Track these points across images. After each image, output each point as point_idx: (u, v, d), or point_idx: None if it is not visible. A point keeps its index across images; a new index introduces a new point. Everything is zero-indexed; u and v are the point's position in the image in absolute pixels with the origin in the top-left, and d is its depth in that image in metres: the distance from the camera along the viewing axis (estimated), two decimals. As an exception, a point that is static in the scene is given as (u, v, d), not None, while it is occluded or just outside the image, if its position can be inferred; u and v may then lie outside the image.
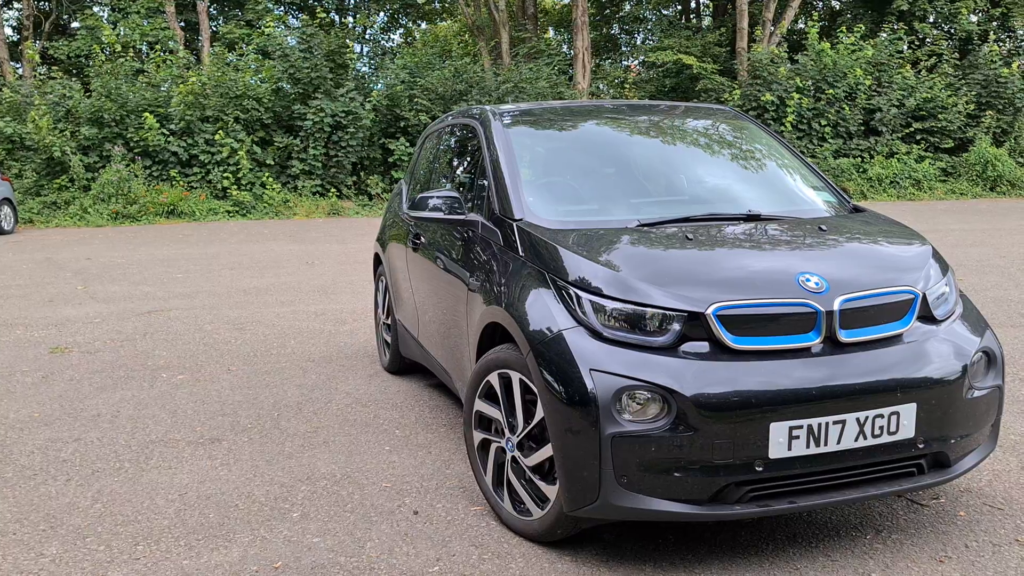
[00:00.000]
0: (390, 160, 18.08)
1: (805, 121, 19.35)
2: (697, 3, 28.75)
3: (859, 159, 19.32)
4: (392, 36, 31.07)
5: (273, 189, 16.98)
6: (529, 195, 3.28)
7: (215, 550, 2.84)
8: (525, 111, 4.00)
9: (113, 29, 20.99)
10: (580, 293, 2.67)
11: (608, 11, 28.69)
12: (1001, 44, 22.82)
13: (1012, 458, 3.48)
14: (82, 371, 5.22)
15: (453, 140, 4.42)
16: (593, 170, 3.65)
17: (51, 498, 3.29)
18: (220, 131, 16.96)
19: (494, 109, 3.92)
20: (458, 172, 4.23)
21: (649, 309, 2.57)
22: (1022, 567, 2.63)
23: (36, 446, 3.88)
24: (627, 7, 29.07)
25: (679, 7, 28.46)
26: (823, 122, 19.26)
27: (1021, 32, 23.87)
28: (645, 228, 3.02)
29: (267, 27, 18.95)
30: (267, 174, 17.14)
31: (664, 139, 3.92)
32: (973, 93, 19.96)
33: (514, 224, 3.14)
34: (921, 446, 2.61)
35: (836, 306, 2.59)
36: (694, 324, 2.54)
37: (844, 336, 2.59)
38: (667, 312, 2.56)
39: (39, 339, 6.17)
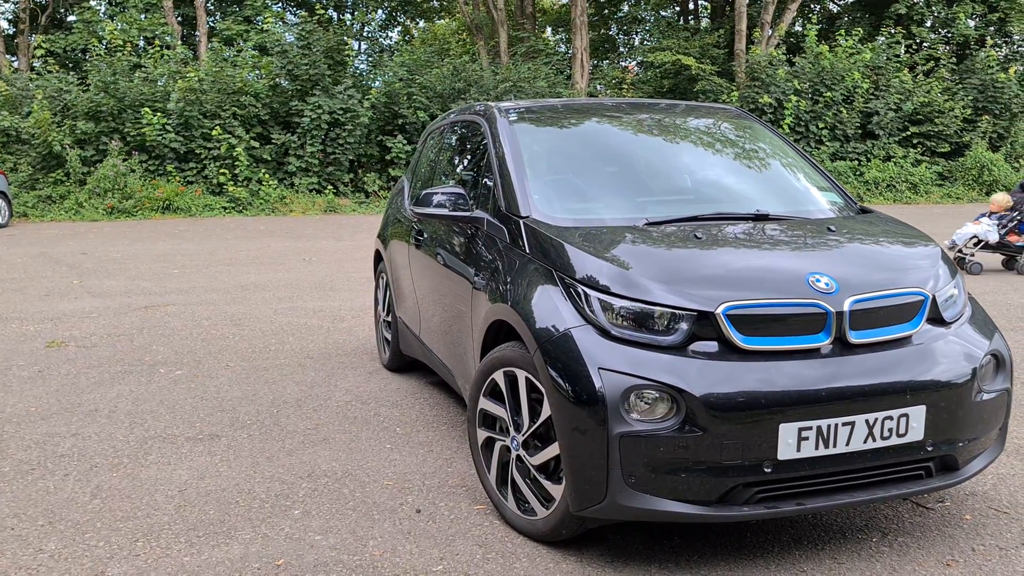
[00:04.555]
0: (387, 158, 18.05)
1: (803, 124, 19.38)
2: (695, 4, 28.76)
3: (856, 162, 19.36)
4: (390, 34, 31.04)
5: (270, 186, 16.93)
6: (536, 192, 3.26)
7: (216, 547, 2.81)
8: (531, 108, 3.98)
9: (111, 21, 20.91)
10: (588, 291, 2.65)
11: (606, 11, 28.69)
12: (998, 49, 22.90)
13: (1017, 462, 3.48)
14: (79, 366, 5.18)
15: (457, 137, 4.39)
16: (600, 168, 3.62)
17: (49, 493, 3.26)
18: (217, 127, 16.89)
19: (500, 105, 3.88)
20: (462, 169, 4.20)
21: (658, 308, 2.55)
22: (1029, 571, 2.62)
23: (34, 441, 3.84)
24: (625, 8, 29.07)
25: (677, 8, 28.48)
26: (820, 125, 19.30)
27: (1018, 37, 23.96)
28: (653, 226, 3.00)
29: (265, 23, 18.89)
30: (264, 170, 17.08)
31: (670, 138, 3.90)
32: (970, 98, 20.04)
33: (520, 221, 3.12)
34: (930, 449, 2.59)
35: (846, 307, 2.57)
36: (703, 324, 2.53)
37: (854, 337, 2.57)
38: (676, 311, 2.54)
39: (35, 333, 6.12)
